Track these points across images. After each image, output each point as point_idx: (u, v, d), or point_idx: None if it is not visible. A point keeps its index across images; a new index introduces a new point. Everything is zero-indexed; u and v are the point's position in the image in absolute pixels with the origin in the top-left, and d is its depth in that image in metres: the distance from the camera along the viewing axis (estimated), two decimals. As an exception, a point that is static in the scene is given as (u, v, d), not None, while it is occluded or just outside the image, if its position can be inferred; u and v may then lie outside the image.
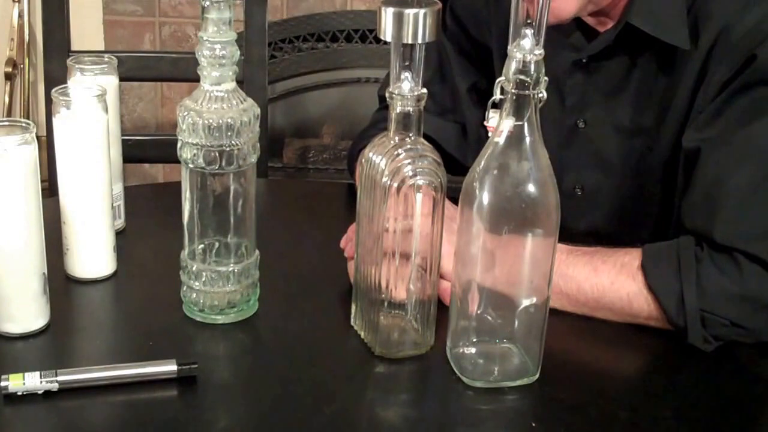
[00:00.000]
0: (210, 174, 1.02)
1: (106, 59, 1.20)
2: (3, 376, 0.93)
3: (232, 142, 1.00)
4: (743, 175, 1.08)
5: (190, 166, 1.02)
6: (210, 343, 1.06)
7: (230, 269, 1.06)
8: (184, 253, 1.07)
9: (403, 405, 0.99)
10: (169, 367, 0.96)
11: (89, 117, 1.09)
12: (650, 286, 1.06)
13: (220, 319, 1.07)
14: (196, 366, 0.96)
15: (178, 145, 1.02)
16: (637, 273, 1.07)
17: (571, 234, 1.28)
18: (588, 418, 0.96)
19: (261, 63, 1.64)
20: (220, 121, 0.99)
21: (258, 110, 1.03)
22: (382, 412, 0.98)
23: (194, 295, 1.06)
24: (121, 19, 2.53)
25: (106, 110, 1.10)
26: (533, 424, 0.95)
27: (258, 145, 1.04)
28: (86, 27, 2.46)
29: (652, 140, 1.23)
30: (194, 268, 1.06)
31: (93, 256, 1.14)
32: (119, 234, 1.21)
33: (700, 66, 1.15)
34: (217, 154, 1.00)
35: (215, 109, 1.00)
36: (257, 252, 1.08)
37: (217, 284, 1.06)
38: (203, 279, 1.06)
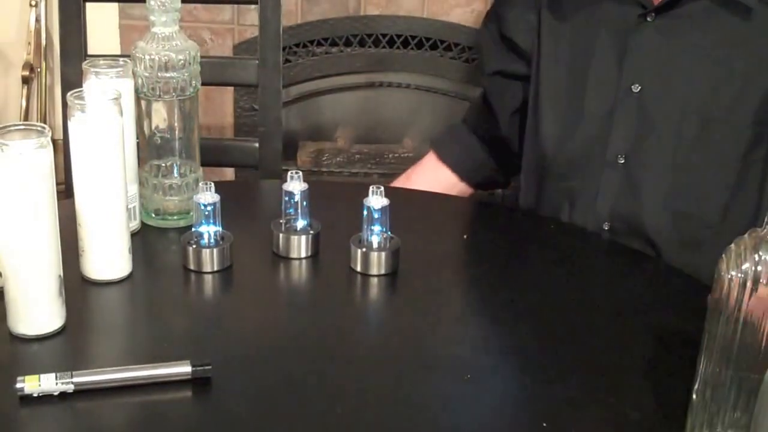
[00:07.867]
0: (154, 101, 1.23)
1: (122, 62, 1.21)
2: (19, 378, 0.93)
3: (172, 74, 1.22)
4: None
5: (140, 94, 1.23)
6: (224, 345, 1.06)
7: (176, 182, 1.27)
8: (142, 171, 1.26)
9: (414, 407, 0.99)
10: (184, 369, 0.96)
11: (104, 120, 1.10)
12: None
13: (171, 223, 1.27)
14: (210, 367, 0.97)
15: (135, 78, 1.22)
16: None
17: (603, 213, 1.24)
18: (599, 419, 0.96)
19: (276, 67, 1.65)
20: (164, 57, 1.21)
21: (196, 50, 1.23)
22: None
23: (149, 203, 1.26)
24: (137, 23, 2.54)
25: (122, 113, 1.11)
26: (544, 425, 0.95)
27: (199, 79, 1.24)
28: (103, 31, 2.47)
29: (721, 110, 1.14)
30: (148, 183, 1.26)
31: (108, 257, 1.14)
32: (135, 235, 1.22)
33: None
34: (160, 85, 1.22)
35: (160, 47, 1.22)
36: (201, 170, 1.29)
37: (168, 194, 1.26)
38: (158, 190, 1.26)
